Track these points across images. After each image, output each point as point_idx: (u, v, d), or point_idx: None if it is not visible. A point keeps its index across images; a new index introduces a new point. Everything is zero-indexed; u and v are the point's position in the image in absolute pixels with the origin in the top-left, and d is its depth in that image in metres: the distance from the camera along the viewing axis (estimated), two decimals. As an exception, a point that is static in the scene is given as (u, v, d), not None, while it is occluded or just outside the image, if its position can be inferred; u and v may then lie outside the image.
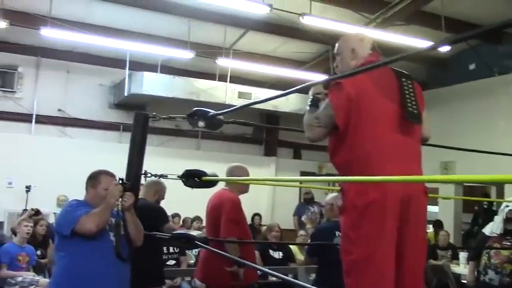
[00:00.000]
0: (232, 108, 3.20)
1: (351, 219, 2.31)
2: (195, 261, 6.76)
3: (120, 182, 3.04)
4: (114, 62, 9.97)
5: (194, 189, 3.15)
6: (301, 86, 2.48)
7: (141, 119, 3.46)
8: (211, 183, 3.46)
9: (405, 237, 2.31)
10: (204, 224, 9.12)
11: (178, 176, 3.20)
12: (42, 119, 9.86)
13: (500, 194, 9.78)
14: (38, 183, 8.75)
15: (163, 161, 7.01)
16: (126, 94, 9.52)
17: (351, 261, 2.30)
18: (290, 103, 10.15)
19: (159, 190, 4.18)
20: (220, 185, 3.96)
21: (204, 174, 3.18)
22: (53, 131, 10.00)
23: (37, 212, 6.32)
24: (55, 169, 9.02)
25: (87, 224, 2.84)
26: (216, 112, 3.19)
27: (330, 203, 4.38)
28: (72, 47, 9.54)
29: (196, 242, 3.14)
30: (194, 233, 4.05)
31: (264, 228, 7.86)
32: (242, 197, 4.13)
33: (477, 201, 10.04)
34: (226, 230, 3.83)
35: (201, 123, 3.27)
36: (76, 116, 10.13)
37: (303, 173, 12.03)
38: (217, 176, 3.35)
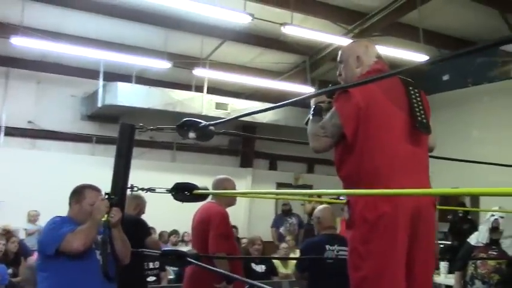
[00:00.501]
0: (225, 119, 3.10)
1: (361, 233, 2.21)
2: (175, 276, 6.58)
3: (107, 196, 2.87)
4: (87, 72, 9.72)
5: (170, 202, 3.02)
6: (303, 96, 2.39)
7: (127, 130, 3.29)
8: (203, 197, 3.33)
9: (415, 252, 2.23)
10: (181, 238, 9.06)
11: (167, 190, 3.06)
12: (12, 131, 9.52)
13: (475, 202, 9.88)
14: (7, 198, 8.39)
15: (138, 173, 6.71)
16: (99, 105, 9.27)
17: (360, 277, 2.19)
18: (267, 114, 10.07)
19: (139, 204, 4.04)
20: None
21: (195, 187, 3.04)
22: (23, 143, 9.66)
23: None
24: (25, 183, 8.67)
25: (73, 243, 2.66)
26: (207, 123, 3.07)
27: (316, 216, 4.28)
28: (43, 57, 9.27)
29: (188, 258, 3.01)
30: (183, 249, 3.90)
31: (244, 241, 7.72)
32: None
33: (452, 210, 10.11)
34: (215, 245, 3.69)
35: (191, 134, 3.14)
36: (47, 128, 9.81)
37: (279, 184, 11.96)
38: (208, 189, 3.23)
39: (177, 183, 3.04)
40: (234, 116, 3.22)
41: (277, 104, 2.49)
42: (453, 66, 9.68)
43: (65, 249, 2.67)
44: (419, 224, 2.23)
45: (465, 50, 1.36)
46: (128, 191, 3.23)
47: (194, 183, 3.03)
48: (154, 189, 3.24)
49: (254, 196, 9.46)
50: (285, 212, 9.90)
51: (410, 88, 2.38)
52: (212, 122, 3.07)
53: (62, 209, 3.09)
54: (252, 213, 11.20)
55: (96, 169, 8.31)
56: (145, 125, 3.24)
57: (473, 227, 7.67)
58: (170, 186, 2.96)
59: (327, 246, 3.97)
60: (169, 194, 2.97)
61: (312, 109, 2.50)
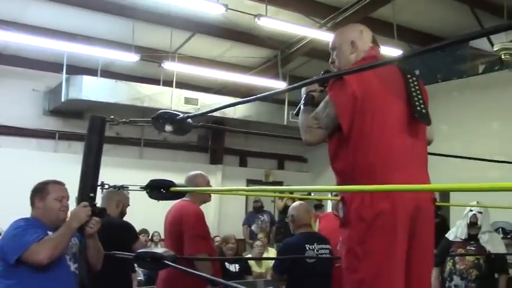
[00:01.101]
0: (203, 112, 2.91)
1: (357, 232, 2.06)
2: (145, 278, 6.32)
3: (89, 203, 2.61)
4: (50, 65, 9.29)
5: (139, 200, 2.80)
6: (296, 85, 2.19)
7: (97, 124, 3.05)
8: (180, 195, 3.12)
9: (414, 251, 2.10)
10: (150, 237, 8.78)
11: (141, 187, 2.84)
12: (-32, 127, 9.04)
13: (445, 197, 9.95)
14: (-36, 198, 7.95)
15: (104, 170, 6.47)
16: (62, 100, 8.87)
17: (358, 280, 2.04)
18: (237, 110, 9.89)
19: (121, 200, 3.75)
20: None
21: (172, 184, 2.83)
22: (-19, 140, 9.19)
23: None
24: (-16, 182, 8.24)
25: (39, 254, 2.40)
26: (185, 115, 2.86)
27: (290, 214, 4.11)
28: (2, 49, 8.81)
29: (165, 261, 2.80)
30: (159, 250, 3.66)
31: (216, 239, 7.52)
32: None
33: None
34: (193, 246, 3.48)
35: (168, 128, 2.92)
36: (6, 123, 9.32)
37: (249, 181, 11.78)
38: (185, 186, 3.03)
39: (152, 180, 2.82)
40: (213, 109, 3.04)
41: (256, 96, 2.32)
42: (423, 62, 9.69)
43: (27, 260, 2.41)
44: (418, 222, 2.09)
45: (438, 44, 1.31)
46: (98, 189, 3.00)
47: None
48: (127, 187, 3.03)
49: (232, 193, 9.29)
50: (256, 209, 9.73)
51: (409, 76, 2.23)
52: (190, 114, 2.87)
53: (24, 210, 2.85)
54: (221, 211, 11.00)
55: (59, 166, 7.98)
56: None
57: (444, 222, 7.70)
58: (138, 183, 2.77)
59: (307, 246, 3.82)
60: (139, 192, 2.79)
61: (303, 98, 2.33)
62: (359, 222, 2.05)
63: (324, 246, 3.83)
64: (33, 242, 2.42)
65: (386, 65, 2.18)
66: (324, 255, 3.80)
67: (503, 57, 6.71)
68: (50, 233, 2.63)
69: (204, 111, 2.81)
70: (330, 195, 5.96)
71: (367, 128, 2.08)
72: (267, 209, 10.08)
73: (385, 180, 2.01)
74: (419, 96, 2.20)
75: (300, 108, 2.36)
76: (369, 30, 2.36)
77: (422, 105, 2.19)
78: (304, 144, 2.25)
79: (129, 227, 3.72)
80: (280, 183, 11.96)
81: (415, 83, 2.23)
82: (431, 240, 2.22)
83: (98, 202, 2.91)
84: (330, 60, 2.41)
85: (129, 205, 3.84)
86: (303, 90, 2.37)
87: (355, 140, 2.09)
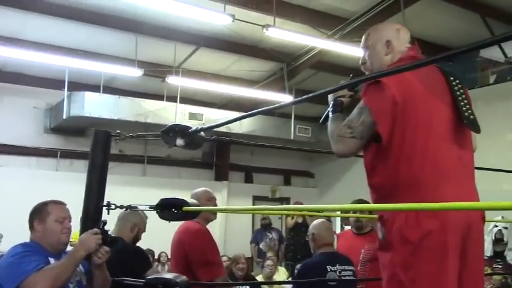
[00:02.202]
0: (215, 125, 2.68)
1: (402, 256, 1.80)
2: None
3: (102, 230, 2.37)
4: (51, 82, 9.11)
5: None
6: (321, 91, 1.93)
7: (102, 139, 2.81)
8: (193, 214, 2.87)
9: (464, 275, 1.84)
10: (157, 258, 8.52)
11: (151, 207, 2.60)
12: (-32, 146, 8.82)
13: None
14: (-37, 219, 7.69)
15: (107, 188, 6.25)
16: (64, 117, 8.67)
17: (404, 311, 1.78)
18: (243, 124, 9.67)
19: (138, 224, 3.45)
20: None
21: (184, 203, 2.59)
22: (-19, 159, 8.96)
23: None
24: (-17, 202, 7.99)
25: (37, 285, 2.14)
26: (198, 127, 2.63)
27: (311, 232, 3.84)
28: (3, 66, 8.63)
29: (178, 288, 2.54)
30: (169, 275, 3.41)
31: (224, 259, 7.23)
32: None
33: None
34: (208, 273, 3.25)
35: (179, 141, 2.69)
36: (7, 142, 9.11)
37: (255, 198, 11.54)
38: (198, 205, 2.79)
39: (163, 199, 2.59)
40: (225, 121, 2.78)
41: (271, 107, 2.10)
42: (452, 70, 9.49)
43: None
44: (469, 242, 1.84)
45: (447, 53, 1.27)
46: (104, 209, 2.76)
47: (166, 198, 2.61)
48: (136, 207, 2.78)
49: (248, 212, 9.03)
50: (264, 227, 9.47)
51: (452, 79, 1.99)
52: (204, 127, 2.65)
53: (25, 231, 2.62)
54: (227, 229, 10.72)
55: (61, 186, 7.77)
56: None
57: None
58: (141, 201, 2.58)
59: (328, 267, 3.55)
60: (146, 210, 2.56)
61: (331, 105, 2.09)
62: (403, 245, 1.80)
63: (346, 267, 3.56)
64: (32, 272, 2.17)
65: (428, 67, 1.94)
66: (347, 277, 3.53)
67: (522, 65, 6.49)
68: (51, 259, 2.38)
69: (214, 124, 2.57)
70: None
71: (409, 136, 1.84)
72: (275, 226, 9.80)
73: (432, 196, 1.77)
74: (465, 101, 1.97)
75: (327, 115, 2.12)
76: (407, 30, 2.13)
77: (469, 111, 1.95)
78: (336, 155, 2.00)
79: (142, 253, 3.46)
80: (287, 200, 11.70)
81: (459, 86, 2.00)
82: (483, 263, 1.97)
83: (111, 224, 2.69)
84: (360, 61, 2.18)
85: (144, 231, 3.56)
86: (330, 96, 2.13)
87: (396, 151, 1.85)
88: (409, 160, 1.84)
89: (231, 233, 10.64)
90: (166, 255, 8.64)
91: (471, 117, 1.95)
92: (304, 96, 1.96)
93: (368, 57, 2.13)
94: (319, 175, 12.37)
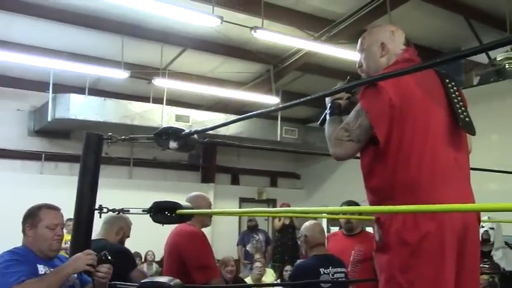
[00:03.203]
0: (209, 127, 2.67)
1: (400, 258, 1.81)
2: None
3: (104, 255, 2.33)
4: (35, 84, 9.01)
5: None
6: (316, 95, 1.94)
7: (93, 142, 2.78)
8: (187, 218, 2.85)
9: (462, 276, 1.85)
10: (143, 259, 8.45)
11: (143, 210, 2.58)
12: (-50, 149, 8.68)
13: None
14: None
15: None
16: (49, 119, 8.56)
17: (402, 314, 1.78)
18: (230, 126, 9.63)
19: (123, 227, 3.44)
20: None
21: (178, 206, 2.57)
22: (-37, 162, 8.82)
23: None
24: (-34, 206, 7.85)
25: None
26: (191, 130, 2.63)
27: (303, 234, 3.84)
28: (-15, 68, 8.50)
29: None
30: (163, 279, 3.37)
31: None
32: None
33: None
34: (204, 276, 3.23)
35: (172, 144, 2.67)
36: (-10, 145, 9.01)
37: (242, 199, 11.53)
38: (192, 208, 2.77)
39: (156, 202, 2.57)
40: (221, 124, 2.80)
41: (269, 109, 2.09)
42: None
43: None
44: (466, 243, 1.85)
45: (446, 57, 1.27)
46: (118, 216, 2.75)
47: (153, 200, 2.59)
48: (128, 210, 2.76)
49: (244, 215, 8.98)
50: (250, 228, 9.43)
51: (447, 81, 2.01)
52: (198, 129, 2.64)
53: (10, 236, 2.60)
54: (214, 231, 10.67)
55: (45, 189, 7.68)
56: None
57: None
58: (127, 204, 2.57)
59: (322, 270, 3.54)
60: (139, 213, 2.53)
61: (329, 107, 2.09)
62: (401, 247, 1.80)
63: (339, 269, 3.56)
64: (13, 284, 2.12)
65: (424, 70, 1.96)
66: (340, 279, 3.53)
67: (507, 66, 6.57)
68: (40, 266, 2.33)
69: (209, 126, 2.56)
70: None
71: (407, 139, 1.85)
72: (262, 228, 9.78)
73: (430, 198, 1.78)
74: (461, 103, 1.99)
75: (325, 117, 2.13)
76: (402, 31, 2.14)
77: (465, 113, 1.97)
78: (334, 158, 2.00)
79: (127, 253, 3.44)
80: (274, 201, 11.71)
81: (455, 88, 2.02)
82: (478, 264, 1.99)
83: (95, 226, 2.66)
84: (357, 64, 2.18)
85: (129, 236, 3.55)
86: (328, 98, 2.13)
87: (393, 153, 1.86)
88: (406, 162, 1.85)
89: (218, 235, 10.58)
90: (153, 254, 8.63)
91: (466, 119, 1.97)
92: (345, 85, 1.97)
93: (364, 60, 2.13)
94: (305, 176, 12.40)
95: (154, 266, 8.52)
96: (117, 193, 7.96)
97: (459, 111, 1.96)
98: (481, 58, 8.76)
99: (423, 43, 8.31)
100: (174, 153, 10.30)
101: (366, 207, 1.90)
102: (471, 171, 2.35)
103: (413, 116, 1.87)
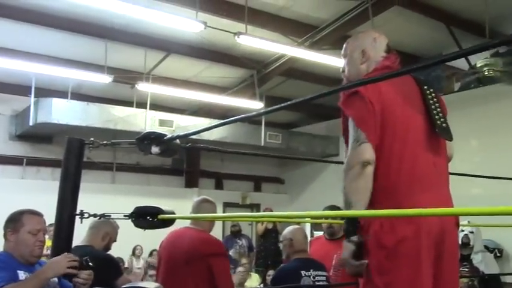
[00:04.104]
0: (197, 130, 2.68)
1: (377, 261, 1.84)
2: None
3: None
4: (17, 88, 8.94)
5: None
6: (298, 99, 1.97)
7: (75, 147, 2.77)
8: (169, 223, 2.85)
9: (439, 281, 1.88)
10: (126, 265, 8.39)
11: (125, 215, 2.57)
12: None
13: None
14: None
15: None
16: (31, 124, 8.48)
17: (378, 316, 1.81)
18: (213, 131, 9.63)
19: (109, 232, 3.39)
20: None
21: (160, 211, 2.58)
22: None
23: None
24: None
25: None
26: (174, 135, 2.63)
27: (288, 237, 3.86)
28: (-35, 71, 8.40)
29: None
30: (145, 284, 3.35)
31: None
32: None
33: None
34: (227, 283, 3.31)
35: (155, 149, 2.67)
36: (-30, 149, 8.90)
37: (226, 204, 11.50)
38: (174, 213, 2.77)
39: (138, 207, 2.57)
40: (204, 128, 2.80)
41: (255, 113, 2.09)
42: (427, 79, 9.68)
43: None
44: (444, 247, 1.88)
45: (422, 64, 1.38)
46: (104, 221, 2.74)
47: (136, 205, 2.59)
48: (109, 215, 2.75)
49: (227, 219, 8.96)
50: (234, 234, 9.42)
51: (425, 88, 2.05)
52: (180, 134, 2.64)
53: None
54: (198, 236, 10.66)
55: (27, 194, 7.60)
56: (84, 144, 2.77)
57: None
58: (110, 209, 2.54)
59: (303, 272, 3.57)
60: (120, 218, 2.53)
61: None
62: (379, 250, 1.83)
63: (320, 273, 3.59)
64: None
65: (402, 76, 1.99)
66: (321, 283, 3.57)
67: (486, 73, 6.69)
68: (20, 272, 2.32)
69: (191, 131, 2.57)
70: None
71: (387, 144, 1.88)
72: (245, 233, 9.78)
73: (408, 203, 1.81)
74: (439, 110, 2.03)
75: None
76: (385, 38, 2.17)
77: (442, 119, 2.01)
78: (365, 166, 1.86)
79: (113, 261, 3.40)
80: (258, 206, 11.72)
81: (433, 95, 2.06)
82: (457, 267, 2.03)
83: (76, 231, 2.65)
84: (341, 68, 2.22)
85: (115, 240, 3.51)
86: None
87: (376, 159, 1.88)
88: (386, 167, 1.88)
89: (202, 240, 10.58)
90: (141, 249, 8.65)
91: (443, 125, 2.01)
92: (278, 106, 1.97)
93: (346, 66, 2.17)
94: (289, 181, 12.43)
95: (142, 260, 8.62)
96: (100, 198, 7.91)
97: (436, 117, 1.99)
98: (462, 64, 8.90)
99: (405, 49, 8.40)
100: (158, 158, 10.30)
101: (347, 211, 1.91)
102: (453, 176, 2.39)
103: (393, 122, 1.90)
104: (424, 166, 1.92)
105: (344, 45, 2.20)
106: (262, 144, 10.09)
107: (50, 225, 2.67)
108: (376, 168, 1.88)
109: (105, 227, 3.38)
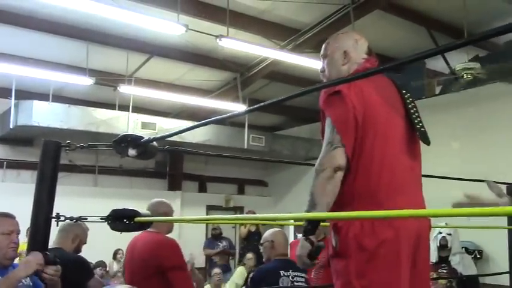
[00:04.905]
0: (173, 132, 2.66)
1: (357, 264, 1.84)
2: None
3: (51, 256, 2.32)
4: (-4, 90, 8.82)
5: (94, 230, 2.57)
6: (273, 100, 1.98)
7: (51, 149, 2.75)
8: (146, 225, 2.84)
9: (415, 281, 1.90)
10: (108, 269, 8.33)
11: (102, 218, 2.56)
12: None
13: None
14: None
15: (57, 200, 6.07)
16: (11, 126, 8.38)
17: (357, 319, 1.82)
18: (196, 134, 9.62)
19: (79, 235, 3.38)
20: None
21: (136, 214, 2.57)
22: None
23: None
24: None
25: None
26: (150, 137, 2.63)
27: (270, 239, 3.87)
28: None
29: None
30: (120, 287, 3.33)
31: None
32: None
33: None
34: (184, 283, 3.27)
35: (131, 152, 2.66)
36: (-51, 152, 8.77)
37: (209, 207, 11.50)
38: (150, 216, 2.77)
39: (114, 209, 2.55)
40: (179, 130, 2.78)
41: (224, 116, 2.09)
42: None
43: None
44: (419, 251, 1.90)
45: (396, 62, 1.31)
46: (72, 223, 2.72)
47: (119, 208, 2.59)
48: (86, 218, 2.74)
49: (203, 222, 8.94)
50: (215, 236, 9.41)
51: (404, 92, 2.07)
52: (157, 136, 2.64)
53: None
54: (181, 239, 10.61)
55: (7, 197, 7.50)
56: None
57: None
58: (93, 212, 2.49)
59: (282, 272, 3.60)
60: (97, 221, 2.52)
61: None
62: (359, 253, 1.83)
63: (299, 273, 3.62)
64: None
65: (382, 79, 2.01)
66: (300, 283, 3.59)
67: (465, 77, 6.77)
68: None
69: (167, 134, 2.57)
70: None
71: (367, 147, 1.88)
72: (227, 236, 9.78)
73: (387, 206, 1.81)
74: (417, 114, 2.05)
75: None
76: (365, 40, 2.19)
77: (421, 123, 2.03)
78: (336, 171, 1.86)
79: (83, 262, 3.38)
80: (241, 209, 11.71)
81: (411, 99, 2.07)
82: (429, 271, 2.06)
83: (52, 235, 2.63)
84: (320, 69, 2.22)
85: (85, 243, 3.50)
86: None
87: (354, 161, 1.89)
88: (367, 170, 1.88)
89: (185, 243, 10.52)
90: (123, 252, 8.57)
91: (422, 129, 2.03)
92: (256, 105, 1.97)
93: (327, 66, 2.16)
94: (272, 184, 12.45)
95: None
96: (82, 201, 7.86)
97: (416, 121, 2.02)
98: (443, 68, 9.01)
99: (386, 53, 8.48)
100: (141, 161, 10.25)
101: (326, 213, 1.91)
102: (434, 178, 2.41)
103: (375, 124, 1.91)
104: (402, 170, 1.94)
105: (324, 45, 2.19)
106: (246, 147, 10.09)
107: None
108: (356, 170, 1.88)
109: (75, 229, 3.36)
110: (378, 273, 1.80)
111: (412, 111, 2.02)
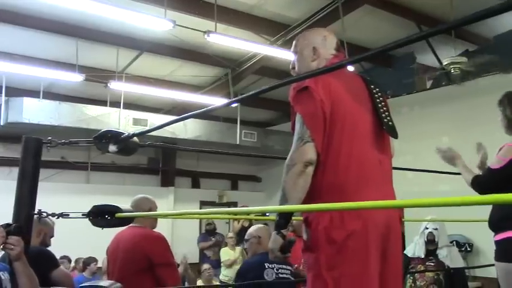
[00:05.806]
0: (148, 129, 2.69)
1: (326, 256, 1.87)
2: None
3: (4, 224, 2.36)
4: (-14, 87, 8.79)
5: (86, 226, 2.60)
6: (255, 91, 2.02)
7: (32, 146, 2.77)
8: (127, 221, 2.86)
9: (385, 273, 1.93)
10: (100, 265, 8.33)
11: (83, 214, 2.59)
12: None
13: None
14: None
15: (49, 197, 6.04)
16: (1, 123, 8.36)
17: (327, 310, 1.85)
18: (188, 130, 9.64)
19: (43, 229, 3.39)
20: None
21: (117, 209, 2.60)
22: None
23: None
24: None
25: None
26: (130, 133, 2.65)
27: (257, 235, 3.91)
28: None
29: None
30: (104, 283, 3.33)
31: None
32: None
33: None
34: (171, 275, 3.32)
35: (112, 148, 2.70)
36: None
37: (202, 203, 11.52)
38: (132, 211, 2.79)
39: (95, 206, 2.59)
40: (157, 126, 2.80)
41: (199, 111, 2.12)
42: (372, 79, 9.78)
43: None
44: (388, 243, 1.93)
45: (365, 54, 1.35)
46: (35, 218, 2.73)
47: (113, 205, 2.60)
48: (68, 214, 2.75)
49: (184, 217, 8.96)
50: (209, 232, 9.45)
51: (372, 87, 2.10)
52: (136, 132, 2.66)
53: None
54: (174, 235, 10.63)
55: (-1, 195, 7.50)
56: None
57: (404, 239, 7.71)
58: (85, 209, 2.53)
59: (266, 265, 3.66)
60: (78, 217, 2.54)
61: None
62: (328, 245, 1.87)
63: (284, 266, 3.69)
64: None
65: (350, 75, 2.03)
66: (284, 275, 3.65)
67: (452, 71, 6.79)
68: None
69: (147, 129, 2.59)
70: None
71: (335, 141, 1.91)
72: (220, 232, 9.80)
73: (357, 199, 1.84)
74: (385, 108, 2.07)
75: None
76: (334, 37, 2.21)
77: (388, 117, 2.06)
78: (306, 166, 1.90)
79: (46, 253, 3.38)
80: (235, 204, 11.74)
81: (379, 94, 2.10)
82: (401, 261, 2.08)
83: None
84: (290, 65, 2.25)
85: (53, 235, 3.51)
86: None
87: (323, 155, 1.92)
88: (334, 164, 1.91)
89: (178, 238, 10.56)
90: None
91: (390, 123, 2.06)
92: (235, 98, 1.99)
93: (297, 62, 2.19)
94: (266, 179, 12.48)
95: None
96: (74, 198, 7.85)
97: (383, 115, 2.04)
98: (433, 63, 9.03)
99: (375, 47, 8.50)
100: (133, 157, 10.26)
101: (300, 205, 1.94)
102: (422, 172, 2.43)
103: (342, 119, 1.93)
104: (370, 163, 1.96)
105: (294, 42, 2.23)
106: (238, 142, 10.10)
107: None
108: (324, 164, 1.91)
109: (38, 224, 3.36)
110: (348, 264, 1.83)
111: (379, 105, 2.04)
